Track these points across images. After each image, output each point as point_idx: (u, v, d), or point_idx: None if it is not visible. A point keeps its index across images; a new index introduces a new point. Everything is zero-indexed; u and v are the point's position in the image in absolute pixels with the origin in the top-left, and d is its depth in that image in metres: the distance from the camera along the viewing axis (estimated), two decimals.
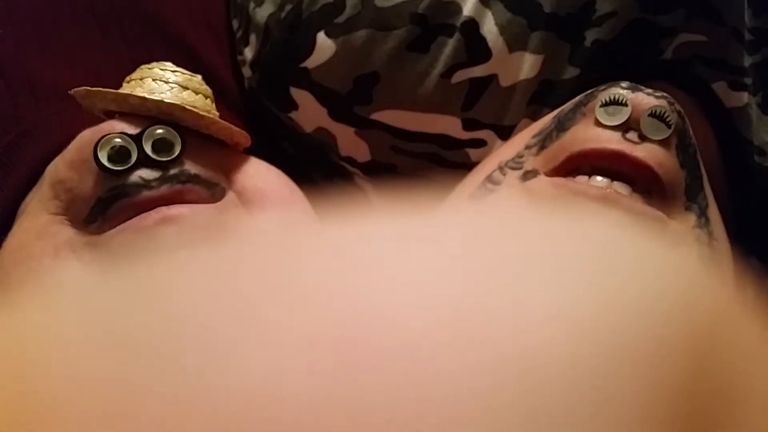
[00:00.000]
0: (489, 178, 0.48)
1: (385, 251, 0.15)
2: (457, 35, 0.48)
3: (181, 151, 0.42)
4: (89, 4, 0.53)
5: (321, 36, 0.49)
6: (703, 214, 0.46)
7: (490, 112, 0.50)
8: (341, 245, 0.16)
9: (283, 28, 0.50)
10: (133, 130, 0.42)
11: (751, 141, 0.51)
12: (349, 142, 0.52)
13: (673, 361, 0.14)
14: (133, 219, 0.41)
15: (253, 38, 0.53)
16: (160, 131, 0.42)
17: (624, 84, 0.45)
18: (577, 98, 0.47)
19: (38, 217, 0.43)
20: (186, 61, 0.52)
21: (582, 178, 0.45)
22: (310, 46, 0.50)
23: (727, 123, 0.51)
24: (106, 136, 0.42)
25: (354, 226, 0.17)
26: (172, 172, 0.42)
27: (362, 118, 0.51)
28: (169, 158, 0.42)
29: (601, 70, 0.50)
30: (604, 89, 0.45)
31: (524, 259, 0.15)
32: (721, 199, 0.49)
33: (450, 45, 0.48)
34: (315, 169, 0.56)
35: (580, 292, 0.15)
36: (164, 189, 0.42)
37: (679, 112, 0.45)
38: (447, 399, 0.13)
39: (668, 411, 0.14)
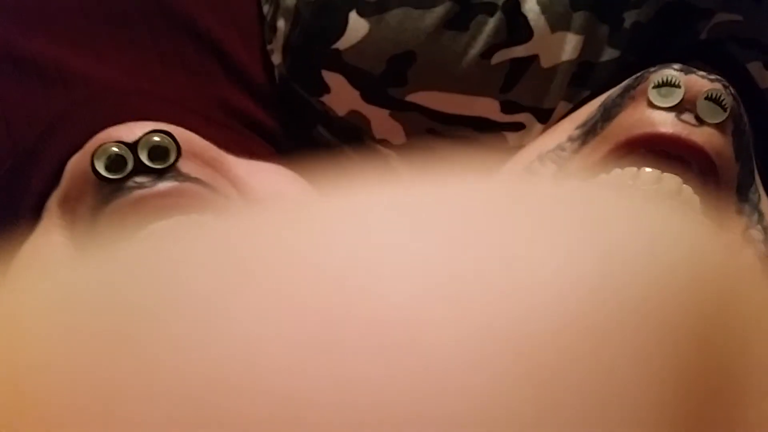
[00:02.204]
0: (529, 169, 0.47)
1: (374, 220, 0.15)
2: (498, 14, 0.47)
3: (177, 157, 0.42)
4: (117, 0, 0.52)
5: (353, 15, 0.48)
6: (755, 209, 0.46)
7: (529, 94, 0.49)
8: (334, 216, 0.16)
9: (314, 9, 0.49)
10: (129, 138, 0.42)
11: None
12: (384, 125, 0.51)
13: (678, 317, 0.14)
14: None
15: (281, 23, 0.51)
16: (156, 139, 0.42)
17: (676, 66, 0.45)
18: (625, 82, 0.47)
19: (48, 235, 0.43)
20: (212, 56, 0.51)
21: (630, 170, 0.44)
22: (342, 27, 0.48)
23: (761, 104, 0.51)
24: (102, 145, 0.42)
25: (349, 195, 0.16)
26: (168, 176, 0.42)
27: (397, 100, 0.49)
28: (164, 165, 0.42)
29: (640, 52, 0.49)
30: (655, 71, 0.45)
31: (519, 222, 0.15)
32: None
33: (490, 24, 0.47)
34: (350, 153, 0.54)
35: (579, 251, 0.14)
36: (159, 186, 0.41)
37: (734, 96, 0.44)
38: (440, 370, 0.12)
39: (676, 373, 0.13)
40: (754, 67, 0.50)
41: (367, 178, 0.16)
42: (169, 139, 0.42)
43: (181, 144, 0.43)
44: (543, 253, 0.14)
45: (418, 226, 0.14)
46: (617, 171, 0.45)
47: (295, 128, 0.53)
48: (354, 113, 0.51)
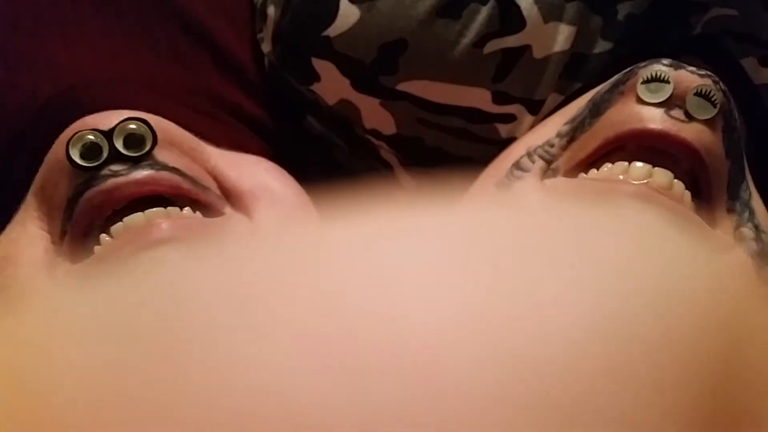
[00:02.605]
0: (517, 165, 0.47)
1: (394, 249, 0.15)
2: (491, 3, 0.47)
3: (152, 145, 0.42)
4: None
5: (344, 2, 0.47)
6: (746, 207, 0.45)
7: (521, 85, 0.49)
8: (353, 243, 0.16)
9: None
10: (104, 126, 0.42)
11: None
12: (374, 115, 0.50)
13: (696, 351, 0.14)
14: (110, 245, 0.41)
15: (271, 10, 0.50)
16: (132, 126, 0.42)
17: (665, 61, 0.45)
18: (614, 78, 0.46)
19: (25, 226, 0.43)
20: (203, 45, 0.51)
21: (621, 164, 0.44)
22: (333, 14, 0.48)
23: (754, 99, 0.50)
24: (77, 133, 0.42)
25: (365, 222, 0.16)
26: (144, 164, 0.42)
27: (388, 89, 0.49)
28: (139, 153, 0.42)
29: (633, 44, 0.49)
30: (644, 66, 0.45)
31: (537, 253, 0.15)
32: None
33: (483, 12, 0.47)
34: (340, 144, 0.54)
35: (595, 280, 0.14)
36: (134, 174, 0.41)
37: (724, 92, 0.44)
38: (461, 393, 0.12)
39: (691, 402, 0.13)
40: (749, 63, 0.50)
41: (377, 200, 0.16)
42: (145, 127, 0.42)
43: (157, 132, 0.42)
44: (560, 283, 0.14)
45: (436, 254, 0.15)
46: (608, 166, 0.45)
47: (285, 119, 0.53)
48: (344, 102, 0.50)
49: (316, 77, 0.50)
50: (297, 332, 0.13)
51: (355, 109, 0.50)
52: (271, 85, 0.53)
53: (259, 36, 0.52)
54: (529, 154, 0.47)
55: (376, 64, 0.48)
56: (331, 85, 0.49)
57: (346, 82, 0.49)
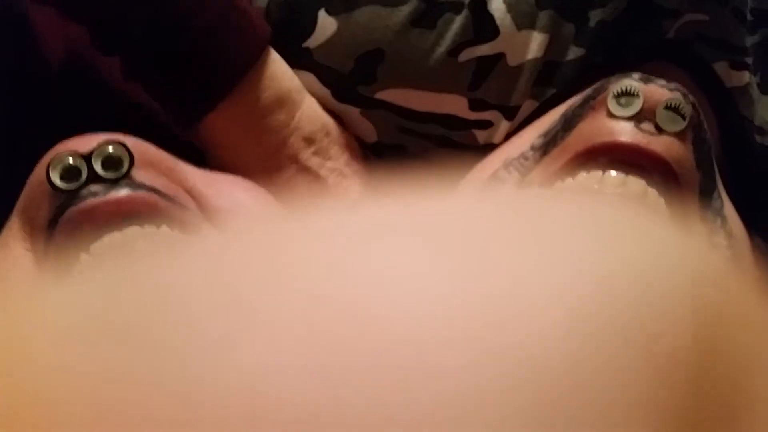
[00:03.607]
0: (494, 176, 0.48)
1: (376, 243, 0.15)
2: (464, 12, 0.48)
3: (129, 167, 0.43)
4: None
5: (322, 14, 0.49)
6: (718, 215, 0.46)
7: (496, 91, 0.50)
8: (336, 237, 0.15)
9: (283, 8, 0.50)
10: (84, 149, 0.43)
11: (751, 121, 0.51)
12: (355, 124, 0.51)
13: (678, 346, 0.14)
14: (93, 261, 0.41)
15: None
16: (110, 149, 0.43)
17: (635, 75, 0.46)
18: (585, 92, 0.47)
19: (9, 247, 0.44)
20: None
21: (595, 173, 0.45)
22: (311, 25, 0.49)
23: (727, 103, 0.51)
24: (57, 155, 0.43)
25: (345, 217, 0.16)
26: (121, 184, 0.43)
27: (367, 98, 0.50)
28: (117, 175, 0.42)
29: (605, 51, 0.50)
30: (615, 81, 0.46)
31: (520, 245, 0.15)
32: (721, 179, 0.50)
33: (457, 22, 0.48)
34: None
35: (579, 274, 0.14)
36: (111, 195, 0.42)
37: (693, 105, 0.45)
38: (451, 394, 0.12)
39: (674, 397, 0.14)
40: (721, 67, 0.51)
41: (361, 195, 0.16)
42: (122, 148, 0.43)
43: (135, 154, 0.43)
44: (547, 276, 0.14)
45: (424, 248, 0.15)
46: (583, 174, 0.46)
47: None
48: (326, 112, 0.51)
49: None
50: (280, 330, 0.13)
51: (336, 119, 0.51)
52: None
53: None
54: (505, 166, 0.48)
55: (355, 73, 0.49)
56: (313, 95, 0.51)
57: (327, 92, 0.50)
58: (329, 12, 0.48)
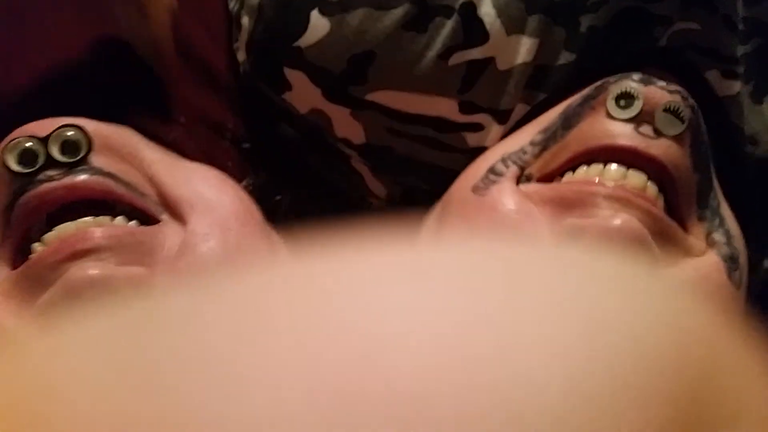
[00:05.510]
0: (492, 169, 0.48)
1: (372, 288, 0.15)
2: (455, 16, 0.48)
3: (87, 151, 0.42)
4: None
5: (315, 14, 0.49)
6: (716, 214, 0.46)
7: (486, 95, 0.50)
8: (339, 281, 0.16)
9: (276, 7, 0.50)
10: (41, 133, 0.43)
11: (742, 130, 0.51)
12: (345, 124, 0.51)
13: (666, 401, 0.14)
14: (42, 253, 0.41)
15: (245, 20, 0.52)
16: (68, 133, 0.43)
17: (635, 77, 0.46)
18: (586, 91, 0.47)
19: None
20: (179, 48, 0.52)
21: (596, 167, 0.45)
22: (304, 25, 0.49)
23: (718, 112, 0.51)
24: (13, 140, 0.42)
25: (351, 259, 0.16)
26: (79, 169, 0.42)
27: (357, 99, 0.50)
28: (74, 159, 0.42)
29: (597, 56, 0.50)
30: (615, 82, 0.46)
31: (516, 297, 0.15)
32: None
33: (448, 26, 0.48)
34: (312, 152, 0.55)
35: (572, 329, 0.14)
36: (68, 179, 0.42)
37: (692, 108, 0.45)
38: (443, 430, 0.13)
39: None
40: (712, 76, 0.51)
41: (362, 236, 0.16)
42: (81, 133, 0.43)
43: (95, 139, 0.43)
44: (540, 332, 0.14)
45: (425, 296, 0.15)
46: (583, 168, 0.46)
47: (259, 126, 0.54)
48: (315, 111, 0.51)
49: (288, 86, 0.51)
50: (283, 380, 0.13)
51: (326, 118, 0.52)
52: (244, 93, 0.54)
53: (235, 45, 0.54)
54: (503, 160, 0.48)
55: (346, 74, 0.49)
56: (303, 94, 0.51)
57: (318, 91, 0.50)
58: (322, 12, 0.49)
